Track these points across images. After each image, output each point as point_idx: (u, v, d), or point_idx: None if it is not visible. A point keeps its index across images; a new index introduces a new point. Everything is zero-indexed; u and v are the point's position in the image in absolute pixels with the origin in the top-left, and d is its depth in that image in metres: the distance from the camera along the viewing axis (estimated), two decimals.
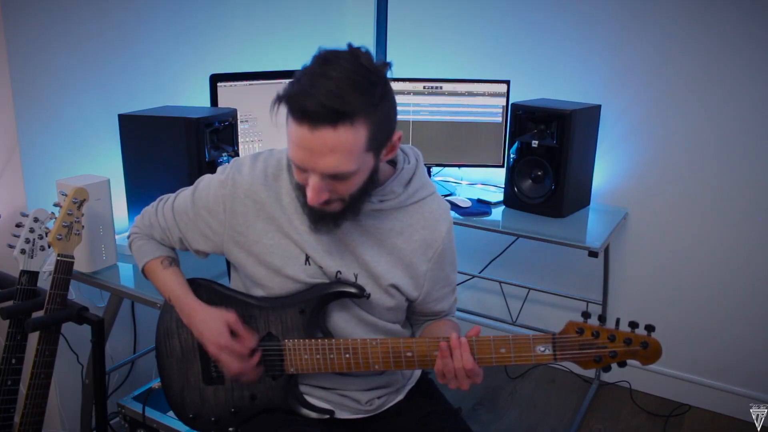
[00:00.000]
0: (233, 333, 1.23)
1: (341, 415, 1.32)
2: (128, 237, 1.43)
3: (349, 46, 1.06)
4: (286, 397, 1.29)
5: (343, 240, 1.22)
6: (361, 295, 1.22)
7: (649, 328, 1.09)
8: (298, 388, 1.31)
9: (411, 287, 1.27)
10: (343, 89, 1.00)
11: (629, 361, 1.12)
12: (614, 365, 1.13)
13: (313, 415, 1.29)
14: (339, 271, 1.23)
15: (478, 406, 2.52)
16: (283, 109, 1.06)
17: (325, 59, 1.03)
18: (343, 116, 1.01)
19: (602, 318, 1.13)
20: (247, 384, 1.30)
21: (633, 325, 1.10)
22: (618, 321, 1.12)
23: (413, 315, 1.38)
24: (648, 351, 1.09)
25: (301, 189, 1.15)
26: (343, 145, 1.03)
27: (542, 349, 1.13)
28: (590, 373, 2.69)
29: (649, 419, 2.46)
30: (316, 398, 1.32)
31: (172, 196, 1.37)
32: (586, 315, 1.11)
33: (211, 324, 1.23)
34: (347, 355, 1.22)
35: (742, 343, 2.40)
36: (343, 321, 1.27)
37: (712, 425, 2.43)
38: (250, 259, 1.24)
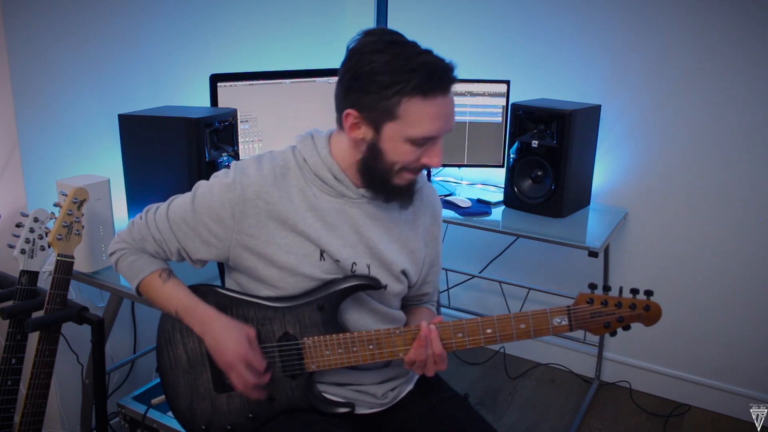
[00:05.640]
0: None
1: (359, 410, 1.33)
2: (111, 254, 1.34)
3: (378, 29, 1.17)
4: (306, 395, 1.28)
5: (358, 232, 1.25)
6: (378, 287, 1.25)
7: (648, 293, 1.20)
8: (316, 386, 1.31)
9: (414, 272, 1.32)
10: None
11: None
12: (619, 330, 1.22)
13: (336, 410, 1.29)
14: (354, 263, 1.24)
15: (478, 406, 2.52)
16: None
17: (396, 38, 1.14)
18: (456, 75, 1.15)
19: (606, 287, 1.21)
20: (265, 387, 1.28)
21: (634, 291, 1.20)
22: (621, 289, 1.22)
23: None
24: (650, 313, 1.19)
25: (387, 176, 1.20)
26: (454, 98, 1.19)
27: (559, 320, 1.22)
28: (590, 372, 2.69)
29: (649, 419, 2.46)
30: (332, 396, 1.32)
31: (162, 205, 1.30)
32: (592, 286, 1.21)
33: (232, 333, 1.22)
34: (371, 347, 1.24)
35: (742, 343, 2.40)
36: (356, 313, 1.29)
37: (712, 425, 2.43)
38: (262, 261, 1.23)
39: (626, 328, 1.21)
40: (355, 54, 1.14)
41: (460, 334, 1.23)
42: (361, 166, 1.21)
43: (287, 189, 1.23)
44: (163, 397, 1.36)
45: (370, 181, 1.22)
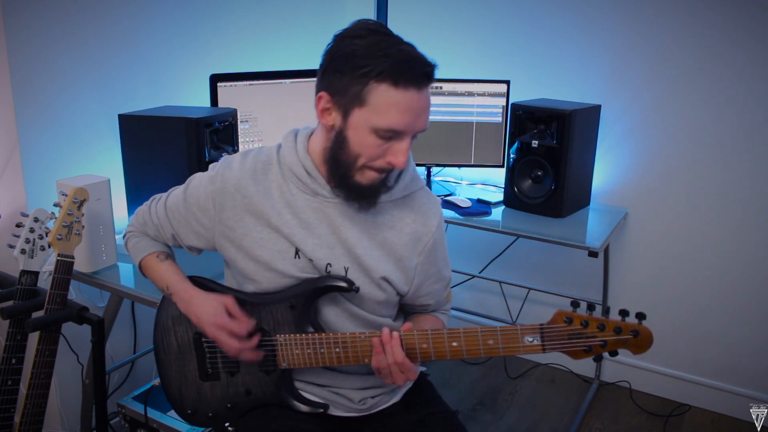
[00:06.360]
0: (231, 316, 1.25)
1: (335, 411, 1.33)
2: (123, 236, 1.47)
3: (366, 19, 1.14)
4: (280, 391, 1.30)
5: (336, 233, 1.23)
6: (350, 289, 1.22)
7: (640, 317, 1.07)
8: (293, 383, 1.32)
9: (402, 281, 1.27)
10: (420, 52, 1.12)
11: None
12: (606, 355, 1.11)
13: (307, 409, 1.30)
14: (329, 264, 1.23)
15: (478, 406, 2.52)
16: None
17: (381, 28, 1.12)
18: (434, 74, 1.12)
19: (591, 307, 1.10)
20: (242, 379, 1.31)
21: (623, 313, 1.08)
22: (608, 310, 1.11)
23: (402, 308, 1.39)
24: (639, 339, 1.07)
25: (349, 171, 1.16)
26: (430, 100, 1.15)
27: (530, 339, 1.12)
28: (590, 372, 2.69)
29: (649, 419, 2.46)
30: (309, 394, 1.33)
31: (164, 194, 1.40)
32: (575, 304, 1.10)
33: (208, 306, 1.25)
34: (337, 349, 1.23)
35: (742, 343, 2.40)
36: (333, 315, 1.28)
37: (712, 425, 2.43)
38: (240, 253, 1.26)
39: (613, 353, 1.09)
40: (337, 38, 1.13)
41: (425, 345, 1.17)
42: (327, 156, 1.18)
43: (266, 185, 1.24)
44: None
45: (334, 174, 1.18)
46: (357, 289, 1.23)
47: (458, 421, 1.36)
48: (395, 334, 1.17)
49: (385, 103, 1.08)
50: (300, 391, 1.33)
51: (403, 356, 1.16)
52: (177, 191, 1.36)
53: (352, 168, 1.16)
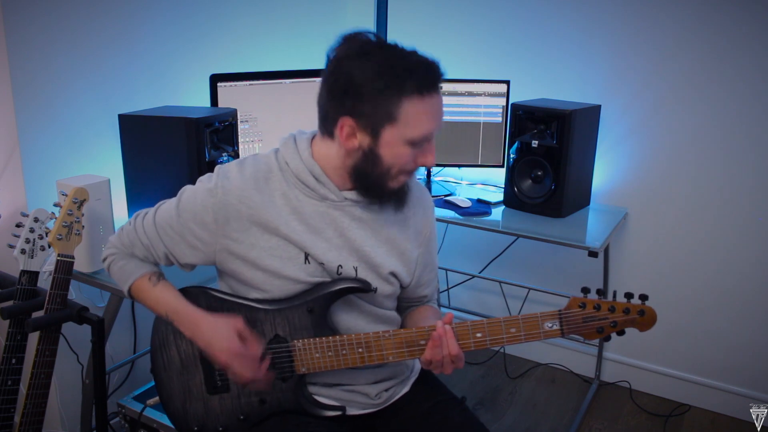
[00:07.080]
0: (241, 339, 1.21)
1: (352, 411, 1.32)
2: (103, 260, 1.36)
3: (358, 33, 1.17)
4: (297, 398, 1.28)
5: (343, 235, 1.24)
6: (368, 290, 1.24)
7: (643, 297, 1.18)
8: (307, 389, 1.31)
9: (406, 273, 1.31)
10: None
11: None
12: (614, 335, 1.21)
13: (326, 413, 1.29)
14: (340, 266, 1.24)
15: (478, 406, 2.52)
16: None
17: (380, 41, 1.16)
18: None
19: (600, 291, 1.20)
20: (254, 389, 1.29)
21: (628, 295, 1.18)
22: (615, 293, 1.21)
23: (398, 301, 1.41)
24: (645, 318, 1.18)
25: (383, 181, 1.21)
26: None
27: (550, 325, 1.20)
28: (590, 372, 2.69)
29: (649, 419, 2.46)
30: (325, 397, 1.32)
31: (150, 210, 1.31)
32: (585, 290, 1.20)
33: (219, 332, 1.21)
34: (360, 350, 1.23)
35: (743, 343, 2.40)
36: (346, 315, 1.28)
37: (712, 425, 2.43)
38: (246, 265, 1.24)
39: (620, 333, 1.20)
40: (342, 61, 1.13)
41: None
42: (355, 173, 1.20)
43: (270, 193, 1.23)
44: (157, 398, 1.36)
45: (366, 187, 1.22)
46: (375, 290, 1.26)
47: (466, 406, 1.39)
48: (448, 327, 1.20)
49: (416, 115, 1.14)
50: (315, 396, 1.31)
51: (457, 348, 1.20)
52: (166, 206, 1.28)
53: (385, 178, 1.20)
